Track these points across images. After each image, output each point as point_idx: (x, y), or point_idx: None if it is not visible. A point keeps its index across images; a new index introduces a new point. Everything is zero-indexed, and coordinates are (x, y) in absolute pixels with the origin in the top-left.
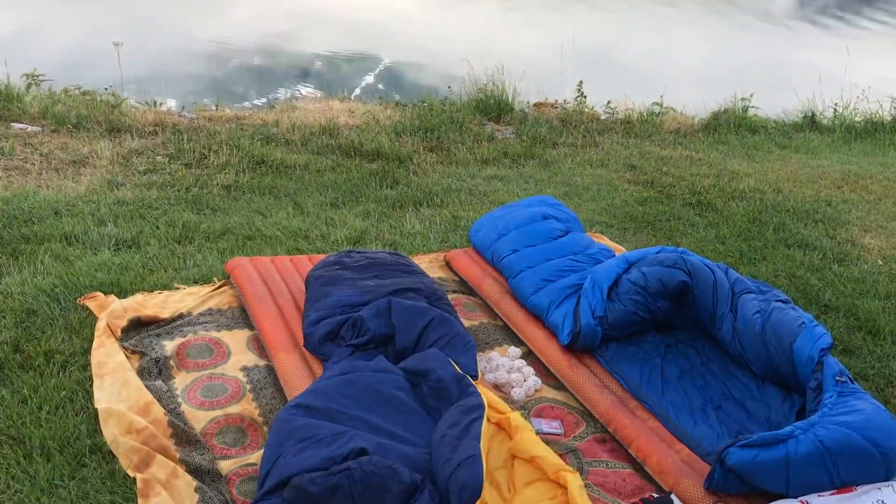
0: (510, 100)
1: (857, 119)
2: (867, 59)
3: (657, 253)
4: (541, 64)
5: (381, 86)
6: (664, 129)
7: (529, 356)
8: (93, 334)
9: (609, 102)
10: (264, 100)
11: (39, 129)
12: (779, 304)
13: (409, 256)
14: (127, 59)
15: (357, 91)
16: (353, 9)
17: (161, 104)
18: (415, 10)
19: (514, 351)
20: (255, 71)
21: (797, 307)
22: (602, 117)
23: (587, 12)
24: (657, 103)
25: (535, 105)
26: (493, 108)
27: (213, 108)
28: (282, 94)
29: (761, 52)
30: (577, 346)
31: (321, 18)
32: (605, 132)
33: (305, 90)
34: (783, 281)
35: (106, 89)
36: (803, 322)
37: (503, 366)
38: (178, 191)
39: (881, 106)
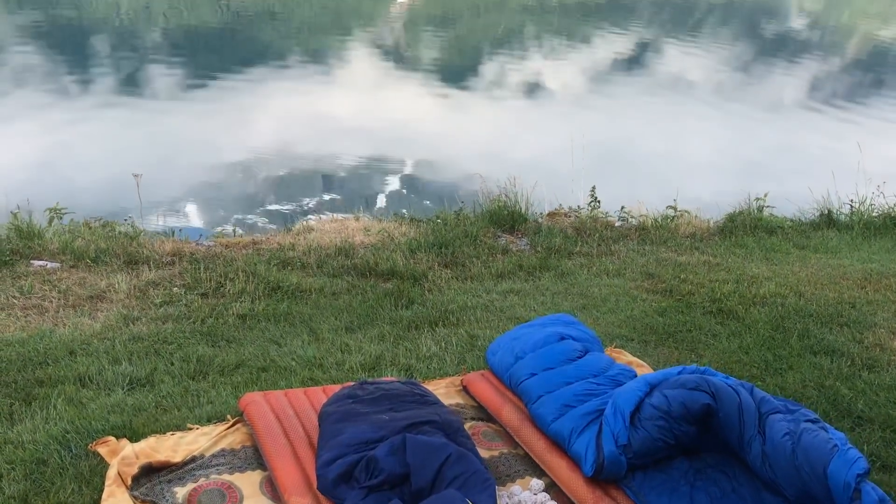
0: (523, 210)
1: (874, 215)
2: (880, 147)
3: (678, 374)
4: (552, 167)
5: (404, 190)
6: (680, 234)
7: (553, 488)
8: (103, 483)
9: (623, 208)
10: (287, 208)
11: (59, 264)
12: (808, 424)
13: (426, 382)
14: (151, 178)
15: (380, 199)
16: (370, 118)
17: (180, 230)
18: (428, 117)
19: (537, 484)
20: (278, 182)
21: (827, 426)
22: (616, 224)
23: (597, 110)
24: (671, 207)
25: (549, 214)
26: (506, 219)
27: (231, 232)
28: (305, 202)
29: (772, 145)
30: (602, 477)
31: (339, 128)
32: (620, 239)
33: (327, 197)
34: (812, 392)
35: (125, 220)
36: (836, 445)
37: (525, 501)
38: (194, 322)
39: None
